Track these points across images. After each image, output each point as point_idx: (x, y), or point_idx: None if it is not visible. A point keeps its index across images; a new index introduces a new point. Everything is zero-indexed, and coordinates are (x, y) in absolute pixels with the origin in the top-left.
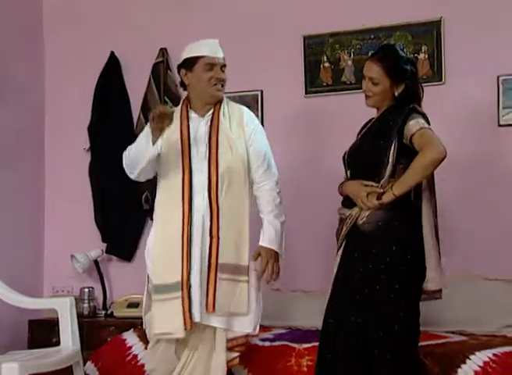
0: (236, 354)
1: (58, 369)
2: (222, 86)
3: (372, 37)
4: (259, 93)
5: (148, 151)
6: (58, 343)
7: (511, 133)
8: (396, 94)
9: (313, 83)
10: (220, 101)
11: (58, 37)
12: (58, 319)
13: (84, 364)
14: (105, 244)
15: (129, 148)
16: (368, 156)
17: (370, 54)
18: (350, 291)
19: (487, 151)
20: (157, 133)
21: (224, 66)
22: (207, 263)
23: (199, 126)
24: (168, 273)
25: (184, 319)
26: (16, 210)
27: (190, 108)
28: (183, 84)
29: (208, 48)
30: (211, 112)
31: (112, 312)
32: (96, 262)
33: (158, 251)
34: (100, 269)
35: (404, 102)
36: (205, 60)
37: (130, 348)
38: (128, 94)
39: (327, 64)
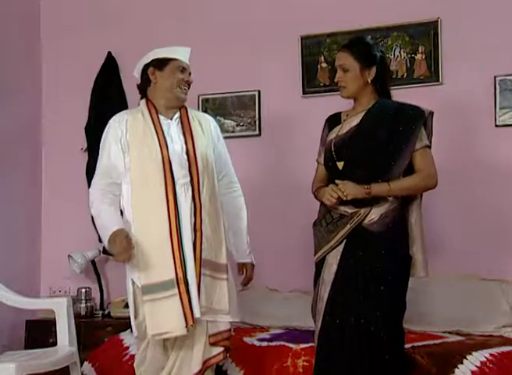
0: (221, 349)
1: (55, 369)
2: (186, 91)
3: (370, 37)
4: (256, 93)
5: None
6: (55, 343)
7: (508, 134)
8: (369, 80)
9: (310, 84)
10: (184, 107)
11: (56, 37)
12: (55, 319)
13: (81, 364)
14: (102, 245)
15: (95, 212)
16: (374, 158)
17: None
18: (354, 291)
19: (484, 152)
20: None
21: (190, 73)
22: (193, 258)
23: (169, 125)
24: (158, 273)
25: (185, 315)
26: (13, 210)
27: (155, 109)
28: (142, 85)
29: (180, 53)
30: (177, 115)
31: (109, 313)
32: (93, 262)
33: (142, 253)
34: (97, 270)
35: (380, 90)
36: (178, 63)
37: (127, 348)
38: (125, 94)
39: (324, 64)
